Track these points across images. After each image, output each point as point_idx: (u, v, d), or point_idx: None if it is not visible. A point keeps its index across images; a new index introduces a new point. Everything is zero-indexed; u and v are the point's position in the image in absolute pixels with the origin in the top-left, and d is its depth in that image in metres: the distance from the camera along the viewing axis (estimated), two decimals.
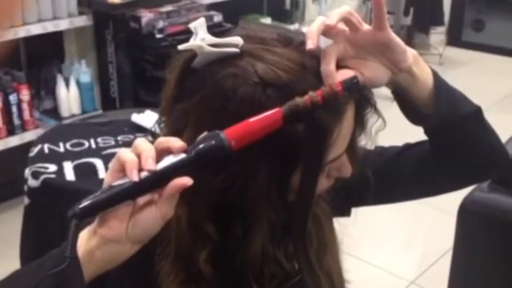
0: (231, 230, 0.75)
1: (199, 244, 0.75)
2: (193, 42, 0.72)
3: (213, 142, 0.66)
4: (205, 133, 0.67)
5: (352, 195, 0.92)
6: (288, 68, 0.71)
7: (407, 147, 0.96)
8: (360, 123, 0.78)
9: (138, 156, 0.65)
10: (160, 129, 0.80)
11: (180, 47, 0.73)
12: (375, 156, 0.93)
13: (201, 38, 0.72)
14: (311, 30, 0.73)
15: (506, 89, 4.49)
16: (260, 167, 0.70)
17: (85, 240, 0.67)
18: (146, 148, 0.65)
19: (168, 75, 0.77)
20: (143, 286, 0.79)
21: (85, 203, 0.65)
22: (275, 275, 0.80)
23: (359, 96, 0.75)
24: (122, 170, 0.65)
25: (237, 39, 0.72)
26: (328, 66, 0.71)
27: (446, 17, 5.15)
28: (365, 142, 0.81)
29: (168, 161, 0.66)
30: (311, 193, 0.74)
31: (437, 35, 5.15)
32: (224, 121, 0.69)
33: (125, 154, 0.65)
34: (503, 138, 1.95)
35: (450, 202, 2.11)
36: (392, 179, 0.95)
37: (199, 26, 0.72)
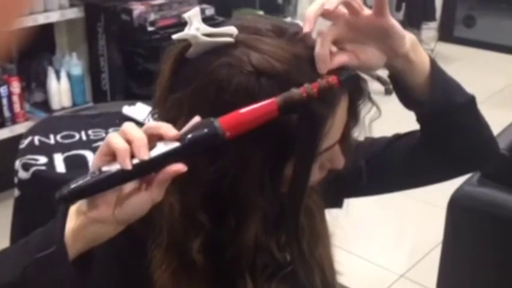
0: (224, 219, 0.75)
1: (192, 233, 0.75)
2: (187, 32, 0.72)
3: (207, 130, 0.66)
4: (196, 118, 0.67)
5: (344, 185, 0.93)
6: (282, 57, 0.71)
7: (398, 137, 0.97)
8: (353, 114, 0.78)
9: (129, 142, 0.65)
10: (154, 120, 0.80)
11: (175, 36, 0.73)
12: (366, 147, 0.93)
13: (195, 28, 0.72)
14: (309, 12, 0.72)
15: (497, 85, 4.51)
16: (253, 156, 0.70)
17: (70, 218, 0.67)
18: (137, 136, 0.65)
19: (162, 65, 0.77)
20: (135, 274, 0.79)
21: (74, 185, 0.64)
22: (267, 265, 0.80)
23: (353, 86, 0.75)
24: (111, 154, 0.65)
25: (232, 29, 0.72)
26: (323, 49, 0.71)
27: (438, 13, 5.16)
28: (359, 133, 0.81)
29: (160, 148, 0.65)
30: (304, 183, 0.74)
31: (429, 31, 5.16)
32: (218, 111, 0.69)
33: (116, 140, 0.65)
34: (494, 133, 1.97)
35: (440, 196, 2.11)
36: (383, 169, 0.95)
37: (193, 15, 0.72)
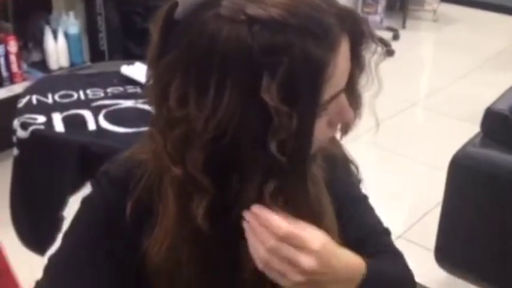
0: (228, 181, 0.72)
1: (196, 199, 0.73)
2: None
3: None
4: None
5: None
6: (277, 3, 0.67)
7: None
8: (356, 60, 0.75)
9: None
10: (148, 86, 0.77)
11: None
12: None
13: None
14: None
15: (499, 46, 4.47)
16: (252, 106, 0.67)
17: None
18: None
19: (152, 28, 0.73)
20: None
21: None
22: None
23: (352, 29, 0.72)
24: None
25: None
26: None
27: None
28: (366, 81, 0.77)
29: None
30: (309, 136, 0.71)
31: None
32: (212, 65, 0.67)
33: None
34: (496, 95, 1.96)
35: (439, 157, 2.11)
36: None
37: None
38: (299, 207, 0.75)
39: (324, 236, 0.74)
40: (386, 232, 0.97)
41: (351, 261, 0.78)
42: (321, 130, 0.74)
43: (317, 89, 0.69)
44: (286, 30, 0.66)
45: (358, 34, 0.73)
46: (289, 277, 0.72)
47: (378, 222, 0.97)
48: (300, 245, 0.72)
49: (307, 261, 0.71)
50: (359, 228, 0.93)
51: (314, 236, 0.73)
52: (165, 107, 0.71)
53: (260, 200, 0.73)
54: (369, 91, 0.79)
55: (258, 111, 0.67)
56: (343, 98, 0.75)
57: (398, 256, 0.95)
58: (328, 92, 0.70)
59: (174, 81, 0.70)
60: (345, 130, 0.81)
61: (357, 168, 0.96)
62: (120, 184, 0.83)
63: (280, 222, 0.72)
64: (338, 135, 0.84)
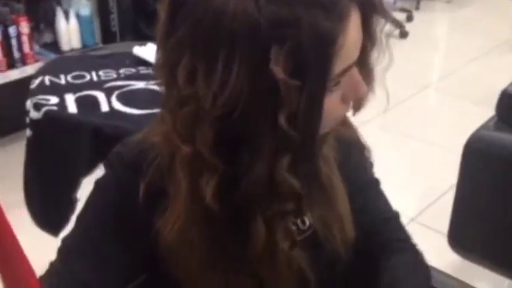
0: (237, 160, 0.71)
1: (206, 177, 0.72)
2: None
3: None
4: None
5: None
6: None
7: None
8: (368, 33, 0.73)
9: None
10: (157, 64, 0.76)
11: None
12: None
13: None
14: None
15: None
16: (259, 85, 0.66)
17: None
18: None
19: (160, 7, 0.72)
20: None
21: None
22: (282, 208, 0.76)
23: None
24: None
25: None
26: None
27: None
28: (378, 55, 0.76)
29: None
30: (319, 110, 0.69)
31: None
32: (219, 41, 0.66)
33: None
34: (508, 80, 1.94)
35: (453, 140, 2.09)
36: None
37: None
38: (309, 183, 0.74)
39: None
40: (397, 216, 0.97)
41: None
42: (334, 106, 0.73)
43: (327, 61, 0.67)
44: (294, 2, 0.65)
45: (367, 5, 0.71)
46: None
47: (389, 207, 0.97)
48: None
49: None
50: (371, 214, 0.93)
51: None
52: (174, 86, 0.71)
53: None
54: (381, 65, 0.77)
55: (267, 87, 0.66)
56: (356, 72, 0.73)
57: (412, 251, 0.95)
58: (339, 65, 0.69)
59: (183, 59, 0.69)
60: (358, 106, 0.79)
61: (369, 152, 0.95)
62: (133, 166, 0.83)
63: None
64: (351, 113, 0.82)
